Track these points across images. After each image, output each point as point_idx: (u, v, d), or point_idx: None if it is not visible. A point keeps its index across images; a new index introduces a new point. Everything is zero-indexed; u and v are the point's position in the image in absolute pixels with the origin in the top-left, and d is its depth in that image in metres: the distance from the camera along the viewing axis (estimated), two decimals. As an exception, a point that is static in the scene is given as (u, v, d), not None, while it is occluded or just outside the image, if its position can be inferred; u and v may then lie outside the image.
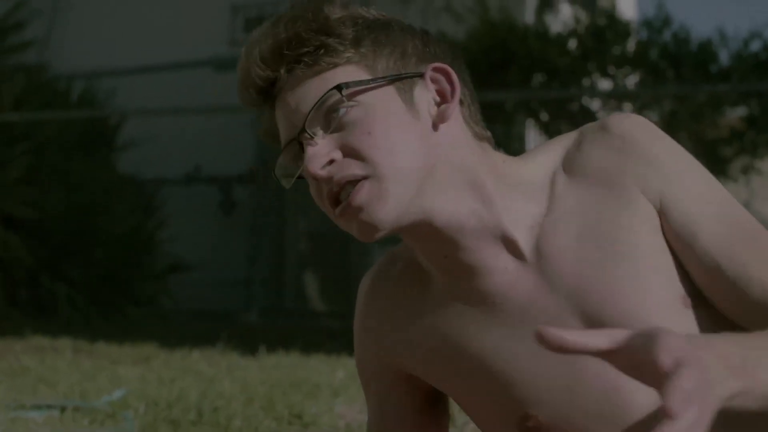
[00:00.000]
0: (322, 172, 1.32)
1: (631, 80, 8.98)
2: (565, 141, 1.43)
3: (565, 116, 8.85)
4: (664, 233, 1.35)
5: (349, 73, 1.34)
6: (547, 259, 1.35)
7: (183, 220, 10.51)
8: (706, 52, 8.66)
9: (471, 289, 1.38)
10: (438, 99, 1.38)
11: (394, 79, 1.35)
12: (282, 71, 1.35)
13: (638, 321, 1.29)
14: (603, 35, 8.73)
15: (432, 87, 1.37)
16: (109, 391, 4.00)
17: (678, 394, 0.98)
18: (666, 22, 8.90)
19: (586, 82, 8.82)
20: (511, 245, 1.36)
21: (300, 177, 1.38)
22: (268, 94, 1.38)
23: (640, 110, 8.92)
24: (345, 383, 4.48)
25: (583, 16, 9.27)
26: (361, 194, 1.31)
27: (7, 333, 6.75)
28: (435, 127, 1.36)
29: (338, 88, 1.31)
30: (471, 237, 1.35)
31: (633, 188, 1.36)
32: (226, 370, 4.93)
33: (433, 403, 1.51)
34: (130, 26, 11.72)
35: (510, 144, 8.96)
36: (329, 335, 7.22)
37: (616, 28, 8.80)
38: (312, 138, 1.33)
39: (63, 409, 3.71)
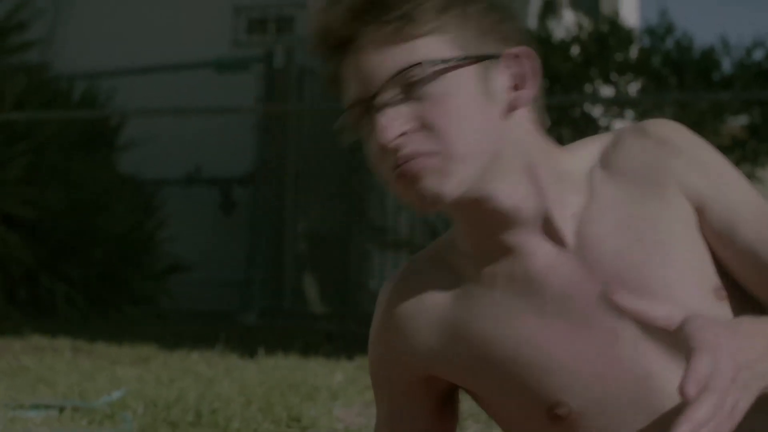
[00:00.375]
0: (393, 144, 1.32)
1: (634, 87, 8.99)
2: (601, 140, 1.45)
3: (566, 122, 8.85)
4: (701, 230, 1.38)
5: (432, 44, 1.34)
6: (587, 247, 1.37)
7: (183, 220, 10.51)
8: (708, 59, 8.67)
9: (510, 274, 1.39)
10: (514, 83, 1.38)
11: (476, 59, 1.35)
12: (366, 30, 1.34)
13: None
14: (606, 42, 8.74)
15: (510, 70, 1.38)
16: (108, 392, 4.00)
17: (690, 376, 1.05)
18: (669, 29, 8.91)
19: (588, 88, 8.83)
20: (554, 231, 1.38)
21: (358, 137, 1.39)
22: (344, 48, 1.36)
23: (641, 117, 8.92)
24: (344, 386, 4.48)
25: (586, 23, 9.29)
26: (426, 165, 1.32)
27: (6, 332, 6.75)
28: (508, 111, 1.37)
29: (424, 62, 1.31)
30: (520, 220, 1.37)
31: (671, 184, 1.38)
32: (225, 372, 4.92)
33: (446, 405, 1.51)
34: (132, 27, 11.72)
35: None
36: (328, 337, 7.22)
37: (618, 34, 8.81)
38: (386, 106, 1.33)
39: (62, 409, 3.71)
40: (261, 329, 8.38)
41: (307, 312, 10.20)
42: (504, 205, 1.36)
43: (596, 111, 9.13)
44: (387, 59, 1.33)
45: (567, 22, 11.16)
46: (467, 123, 1.33)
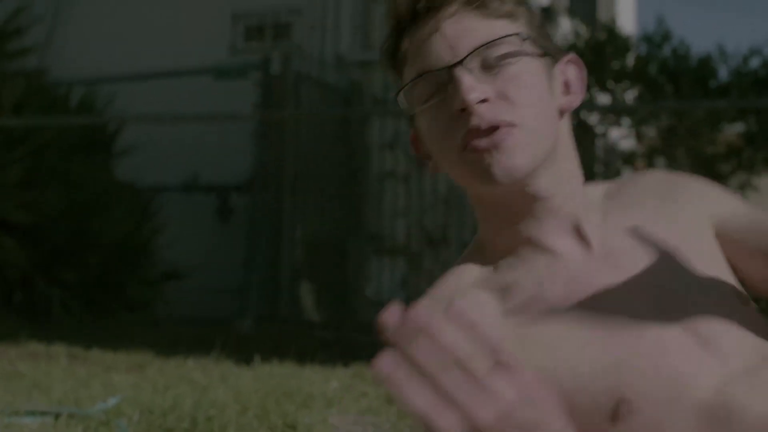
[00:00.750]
0: (475, 108, 1.36)
1: (630, 95, 8.99)
2: (602, 184, 1.55)
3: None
4: (721, 246, 1.46)
5: (510, 28, 1.41)
6: (612, 251, 1.42)
7: (180, 226, 10.51)
8: (705, 67, 8.67)
9: (556, 275, 1.42)
10: (564, 87, 1.47)
11: (545, 52, 1.43)
12: (455, 1, 1.41)
13: (706, 308, 1.37)
14: (603, 49, 8.74)
15: (563, 75, 1.47)
16: (104, 399, 3.99)
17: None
18: (666, 37, 8.91)
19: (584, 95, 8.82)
20: (584, 237, 1.43)
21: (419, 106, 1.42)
22: (430, 14, 1.42)
23: (638, 125, 8.93)
24: (339, 393, 4.47)
25: (583, 30, 9.28)
26: (512, 140, 1.36)
27: (1, 337, 6.75)
28: (560, 111, 1.45)
29: (518, 36, 1.39)
30: (554, 215, 1.43)
31: (685, 204, 1.47)
32: (221, 379, 4.92)
33: None
34: (130, 33, 11.73)
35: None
36: (323, 345, 7.22)
37: (615, 42, 8.81)
38: (469, 72, 1.38)
39: (57, 416, 3.70)
40: (257, 336, 8.37)
41: (303, 319, 10.20)
42: (542, 195, 1.42)
43: (593, 118, 9.13)
44: (475, 30, 1.40)
45: (564, 30, 11.17)
46: (540, 102, 1.40)
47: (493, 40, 1.38)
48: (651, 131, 9.02)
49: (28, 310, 8.96)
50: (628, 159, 9.18)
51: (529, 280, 1.42)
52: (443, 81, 1.39)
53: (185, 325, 9.08)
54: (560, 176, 1.42)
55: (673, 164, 8.90)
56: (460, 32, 1.39)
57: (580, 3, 13.98)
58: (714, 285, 1.40)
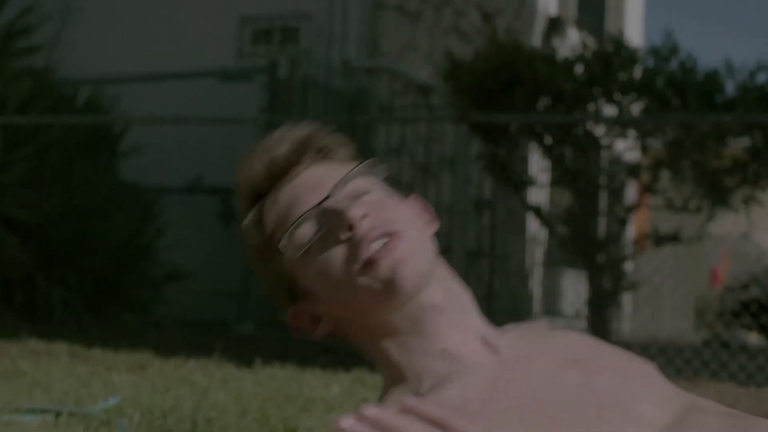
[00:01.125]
0: (361, 223, 1.45)
1: (636, 107, 8.98)
2: None
3: (569, 141, 8.84)
4: None
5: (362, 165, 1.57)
6: (519, 353, 1.47)
7: (182, 228, 10.51)
8: (712, 82, 8.66)
9: (467, 383, 1.43)
10: None
11: (392, 187, 1.58)
12: (306, 156, 1.56)
13: (625, 379, 1.44)
14: (610, 61, 8.72)
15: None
16: (104, 398, 3.99)
17: None
18: (673, 50, 8.89)
19: (591, 107, 8.81)
20: (487, 344, 1.49)
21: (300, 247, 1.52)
22: (280, 177, 1.56)
23: (643, 137, 8.92)
24: (340, 398, 4.47)
25: (591, 42, 9.27)
26: (404, 246, 1.45)
27: (2, 335, 6.75)
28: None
29: (375, 163, 1.55)
30: (457, 329, 1.49)
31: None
32: (221, 381, 4.92)
33: None
34: (137, 35, 11.75)
35: (514, 166, 8.97)
36: (324, 349, 7.21)
37: (623, 54, 8.79)
38: (343, 199, 1.49)
39: (58, 414, 3.69)
40: (257, 339, 8.37)
41: (304, 323, 10.16)
42: (440, 307, 1.49)
43: (599, 130, 9.12)
44: (329, 174, 1.53)
45: (572, 41, 11.16)
46: (412, 218, 1.52)
47: (352, 170, 1.52)
48: (657, 144, 9.01)
49: (29, 309, 8.95)
50: (633, 171, 9.17)
51: (452, 396, 1.40)
52: (319, 220, 1.48)
53: (186, 326, 9.08)
54: (451, 293, 1.50)
55: (678, 177, 8.90)
56: (318, 178, 1.53)
57: (589, 15, 13.99)
58: (620, 357, 1.49)
